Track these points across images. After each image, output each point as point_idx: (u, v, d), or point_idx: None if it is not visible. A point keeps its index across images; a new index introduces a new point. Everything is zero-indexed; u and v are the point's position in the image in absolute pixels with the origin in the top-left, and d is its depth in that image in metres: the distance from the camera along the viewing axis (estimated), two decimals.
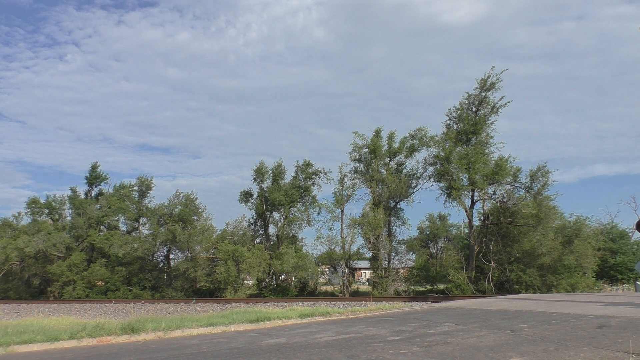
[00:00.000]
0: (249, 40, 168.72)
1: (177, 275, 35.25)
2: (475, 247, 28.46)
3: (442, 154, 29.07)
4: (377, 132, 34.07)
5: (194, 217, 37.85)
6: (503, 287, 26.93)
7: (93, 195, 45.01)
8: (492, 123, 29.08)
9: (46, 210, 44.63)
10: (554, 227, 27.43)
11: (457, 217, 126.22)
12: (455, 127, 30.06)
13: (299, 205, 37.16)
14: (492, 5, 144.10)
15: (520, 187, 28.10)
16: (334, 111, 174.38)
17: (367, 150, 33.90)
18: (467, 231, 30.99)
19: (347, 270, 33.18)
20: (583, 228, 27.10)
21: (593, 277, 27.56)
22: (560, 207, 35.90)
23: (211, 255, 35.97)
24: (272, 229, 38.18)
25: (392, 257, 32.88)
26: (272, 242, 37.73)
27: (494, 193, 29.22)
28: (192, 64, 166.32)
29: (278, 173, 37.82)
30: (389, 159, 34.02)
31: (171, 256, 38.66)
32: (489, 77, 28.63)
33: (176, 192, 39.17)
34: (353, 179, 34.86)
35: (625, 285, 27.81)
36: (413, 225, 61.69)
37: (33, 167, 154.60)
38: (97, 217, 41.06)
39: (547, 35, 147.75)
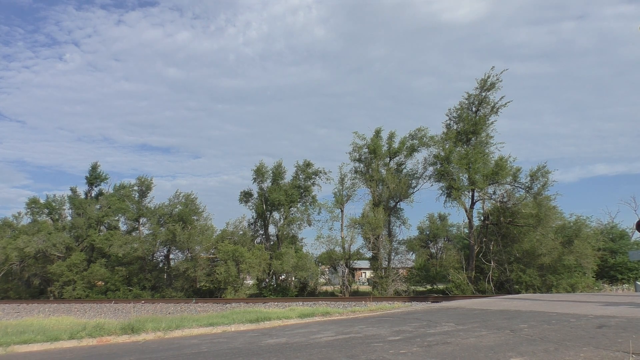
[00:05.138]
0: (249, 39, 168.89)
1: (177, 275, 35.24)
2: (475, 247, 28.46)
3: (442, 154, 29.05)
4: (377, 132, 34.06)
5: (194, 217, 37.87)
6: (503, 287, 26.93)
7: (93, 195, 45.00)
8: (492, 123, 29.09)
9: (46, 210, 44.59)
10: (554, 227, 27.40)
11: (457, 217, 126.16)
12: (455, 127, 30.04)
13: (299, 205, 37.16)
14: (492, 4, 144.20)
15: (520, 187, 28.11)
16: (334, 111, 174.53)
17: (367, 150, 33.88)
18: (467, 231, 30.99)
19: (347, 270, 33.17)
20: (583, 228, 27.09)
21: (593, 277, 27.53)
22: (560, 207, 35.88)
23: (211, 255, 35.96)
24: (272, 229, 38.23)
25: (392, 257, 32.87)
26: (272, 242, 37.72)
27: (494, 193, 29.23)
28: (192, 64, 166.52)
29: (278, 173, 37.81)
30: (389, 159, 34.01)
31: (171, 256, 38.70)
32: (489, 77, 28.63)
33: (176, 192, 39.27)
34: (353, 179, 34.89)
35: (625, 285, 27.78)
36: (413, 225, 61.70)
37: (33, 167, 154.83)
38: (97, 217, 41.05)
39: (547, 35, 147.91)
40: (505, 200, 28.33)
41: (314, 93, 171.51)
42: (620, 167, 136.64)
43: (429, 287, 33.54)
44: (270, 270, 33.94)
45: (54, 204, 44.74)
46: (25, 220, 45.31)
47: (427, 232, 55.46)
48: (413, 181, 32.92)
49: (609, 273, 31.17)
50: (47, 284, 39.07)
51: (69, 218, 44.30)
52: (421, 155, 49.30)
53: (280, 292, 32.97)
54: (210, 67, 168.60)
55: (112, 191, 44.75)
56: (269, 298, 29.40)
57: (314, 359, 5.75)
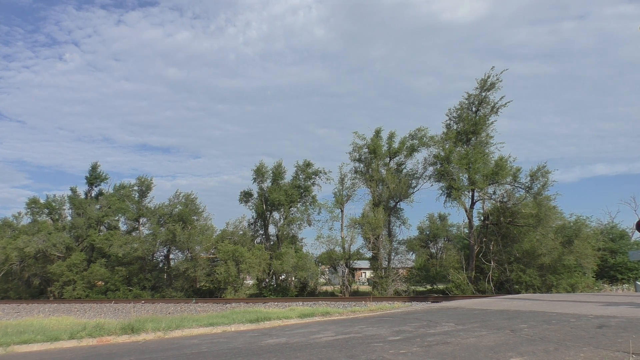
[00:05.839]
0: (249, 39, 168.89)
1: (177, 275, 35.24)
2: (475, 247, 28.46)
3: (442, 154, 29.05)
4: (377, 132, 34.06)
5: (194, 217, 37.87)
6: (503, 287, 26.93)
7: (93, 195, 45.00)
8: (492, 123, 29.09)
9: (46, 210, 44.60)
10: (554, 227, 27.39)
11: (457, 217, 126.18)
12: (455, 127, 30.04)
13: (299, 205, 37.15)
14: (492, 4, 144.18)
15: (520, 187, 28.10)
16: (334, 111, 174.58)
17: (367, 150, 33.89)
18: (467, 231, 30.98)
19: (347, 270, 33.17)
20: (583, 228, 27.08)
21: (593, 277, 27.53)
22: (560, 207, 35.92)
23: (211, 255, 35.97)
24: (272, 229, 38.24)
25: (392, 257, 32.87)
26: (272, 242, 37.72)
27: (494, 193, 29.22)
28: (192, 64, 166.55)
29: (278, 173, 37.81)
30: (389, 159, 34.00)
31: (171, 256, 38.71)
32: (489, 77, 28.63)
33: (176, 192, 39.29)
34: (353, 179, 34.90)
35: (625, 285, 27.77)
36: (413, 225, 61.74)
37: (33, 167, 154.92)
38: (97, 217, 41.05)
39: (547, 35, 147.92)
40: (505, 200, 28.33)
41: (314, 93, 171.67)
42: (620, 167, 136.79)
43: (429, 287, 33.53)
44: (270, 270, 33.93)
45: (54, 204, 44.74)
46: (25, 220, 45.41)
47: (427, 232, 55.45)
48: (413, 181, 32.95)
49: (609, 273, 31.17)
50: (47, 284, 39.06)
51: (69, 218, 44.31)
52: (421, 155, 49.45)
53: (280, 292, 32.96)
54: (210, 67, 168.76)
55: (112, 191, 44.77)
56: (269, 298, 29.39)
57: (314, 359, 5.75)
